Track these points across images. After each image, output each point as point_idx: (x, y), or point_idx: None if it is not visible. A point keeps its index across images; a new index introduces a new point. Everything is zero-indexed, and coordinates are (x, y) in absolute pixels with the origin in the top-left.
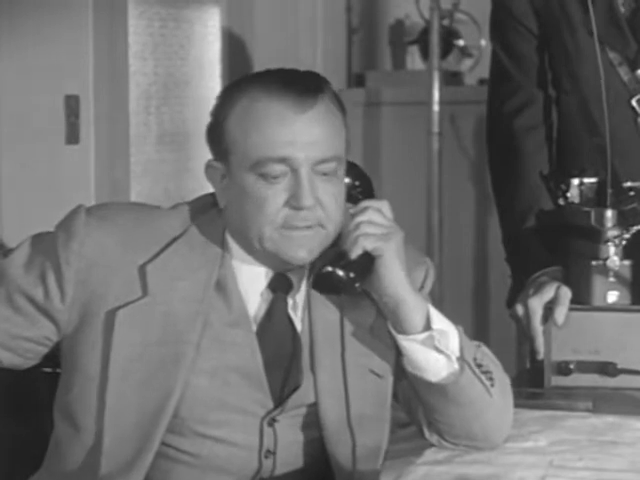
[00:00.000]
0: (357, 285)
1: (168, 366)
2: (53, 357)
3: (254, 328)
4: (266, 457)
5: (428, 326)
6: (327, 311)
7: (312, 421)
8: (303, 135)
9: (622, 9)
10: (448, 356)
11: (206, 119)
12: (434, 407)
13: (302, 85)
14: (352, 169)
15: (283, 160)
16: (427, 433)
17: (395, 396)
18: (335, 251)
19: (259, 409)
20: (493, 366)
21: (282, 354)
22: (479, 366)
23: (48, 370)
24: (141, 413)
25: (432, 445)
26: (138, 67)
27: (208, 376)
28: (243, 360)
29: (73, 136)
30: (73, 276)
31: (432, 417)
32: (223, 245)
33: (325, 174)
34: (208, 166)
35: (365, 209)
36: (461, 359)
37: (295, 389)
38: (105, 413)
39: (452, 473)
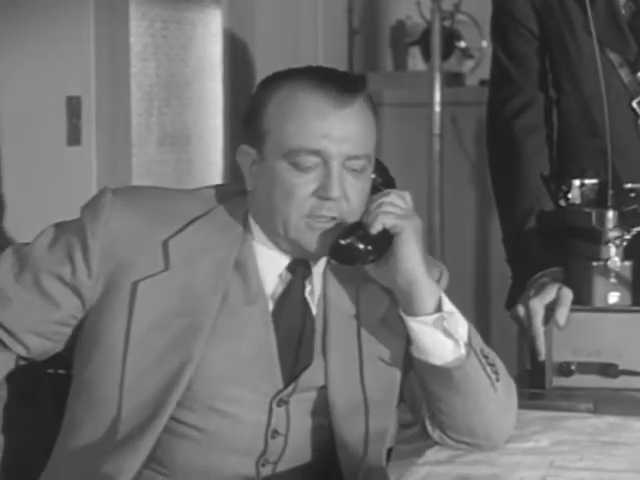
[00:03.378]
0: (371, 258)
1: (186, 337)
2: (55, 357)
3: (270, 307)
4: (273, 437)
5: (439, 309)
6: (342, 298)
7: (322, 408)
8: (338, 130)
9: (623, 11)
10: (456, 340)
11: (207, 120)
12: (438, 396)
13: (342, 82)
14: (378, 165)
15: (316, 152)
16: (429, 428)
17: (400, 393)
18: (354, 223)
19: (269, 388)
20: (499, 363)
21: (295, 334)
22: (485, 357)
23: (49, 370)
24: (157, 384)
25: (434, 445)
26: (140, 68)
27: (222, 351)
28: (257, 338)
29: (75, 137)
30: (99, 250)
31: (435, 407)
32: (245, 227)
33: (354, 170)
34: (240, 151)
35: (388, 193)
36: (468, 345)
37: (305, 368)
38: (124, 382)
39: (453, 473)
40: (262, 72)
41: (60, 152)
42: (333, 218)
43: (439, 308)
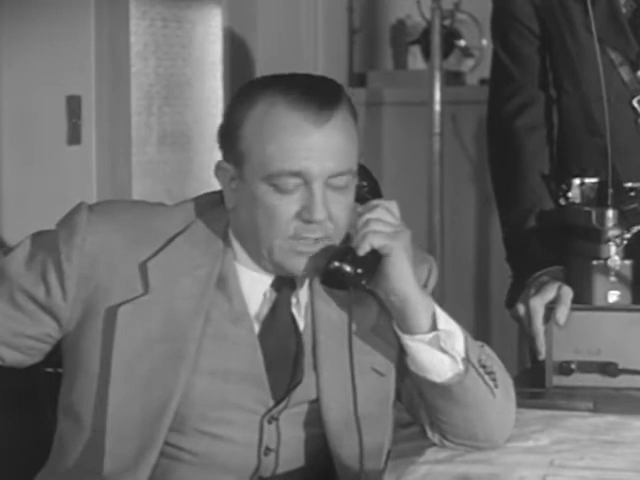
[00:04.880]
0: (364, 282)
1: (170, 364)
2: (54, 357)
3: (256, 328)
4: (266, 454)
5: (434, 326)
6: (330, 309)
7: (314, 418)
8: (320, 149)
9: (624, 9)
10: (453, 357)
11: (208, 119)
12: (438, 408)
13: (321, 95)
14: (360, 169)
15: (298, 174)
16: (429, 433)
17: (398, 395)
18: (343, 247)
19: (259, 407)
20: (496, 367)
21: (284, 353)
22: (483, 367)
23: (49, 370)
24: (143, 411)
25: (433, 444)
26: (140, 67)
27: (209, 374)
28: (244, 359)
29: (75, 137)
30: (74, 273)
31: (435, 417)
32: (226, 241)
33: (338, 188)
34: (218, 167)
35: (374, 207)
36: (466, 360)
37: (295, 386)
38: (108, 411)
39: (453, 472)
40: (262, 71)
41: (60, 151)
42: (317, 239)
43: (434, 325)
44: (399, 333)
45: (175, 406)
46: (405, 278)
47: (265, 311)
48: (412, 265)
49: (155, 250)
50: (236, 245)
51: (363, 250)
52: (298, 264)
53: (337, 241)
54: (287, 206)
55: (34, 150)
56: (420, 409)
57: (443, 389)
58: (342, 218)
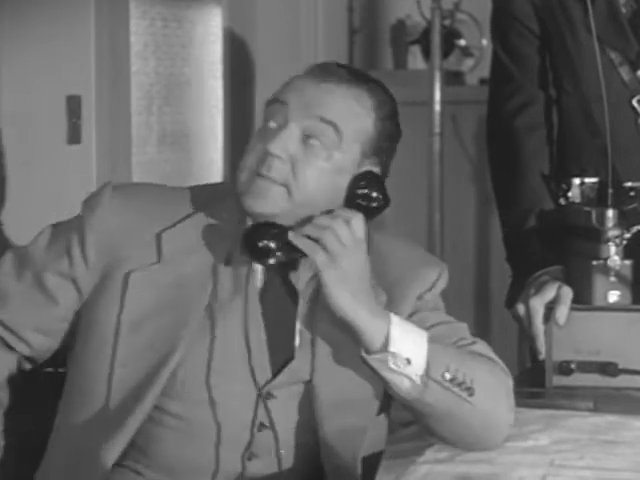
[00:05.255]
0: (271, 261)
1: (175, 328)
2: (55, 357)
3: (258, 297)
4: (259, 430)
5: (386, 348)
6: None
7: (308, 402)
8: (310, 92)
9: (623, 9)
10: (407, 376)
11: (208, 119)
12: (418, 418)
13: (345, 73)
14: (376, 181)
15: (279, 102)
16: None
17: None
18: (282, 225)
19: (257, 378)
20: (478, 372)
21: (281, 328)
22: (451, 380)
23: (50, 370)
24: (144, 369)
25: (434, 444)
26: (140, 67)
27: (210, 342)
28: (244, 328)
29: (75, 136)
30: (95, 242)
31: (421, 425)
32: (243, 223)
33: (314, 145)
34: None
35: (337, 216)
36: (425, 377)
37: (291, 359)
38: (114, 369)
39: (453, 472)
40: (262, 71)
41: (60, 151)
42: (275, 182)
43: (386, 345)
44: (359, 350)
45: (171, 367)
46: (343, 306)
47: (262, 282)
48: (358, 288)
49: (172, 223)
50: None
51: (296, 242)
52: (251, 204)
53: (297, 198)
54: (260, 140)
55: (34, 150)
56: None
57: (409, 404)
58: (308, 178)
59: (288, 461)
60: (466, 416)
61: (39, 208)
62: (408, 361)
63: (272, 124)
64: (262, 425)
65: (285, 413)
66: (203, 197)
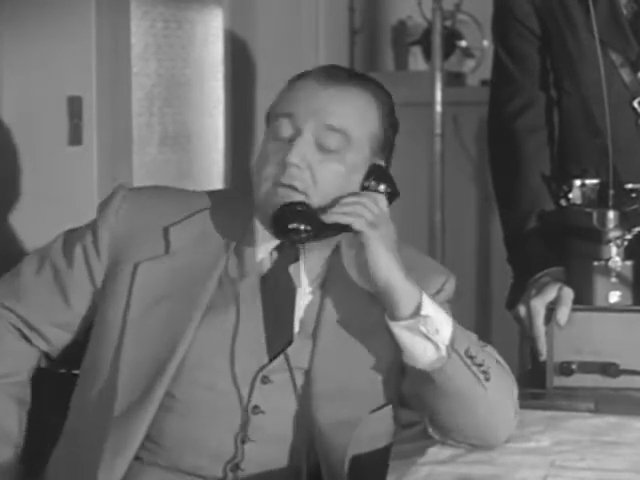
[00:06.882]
0: (304, 238)
1: (182, 317)
2: (56, 357)
3: (258, 284)
4: (254, 413)
5: (418, 313)
6: (342, 290)
7: (305, 390)
8: (318, 101)
9: (624, 11)
10: (435, 343)
11: (209, 120)
12: (426, 399)
13: (346, 76)
14: (383, 173)
15: (289, 115)
16: (430, 429)
17: (402, 399)
18: (305, 203)
19: (253, 362)
20: (494, 364)
21: (281, 313)
22: (471, 357)
23: (54, 371)
24: (153, 359)
25: (435, 444)
26: (141, 68)
27: (212, 328)
28: (245, 312)
29: (76, 137)
30: (107, 237)
31: (427, 410)
32: (249, 223)
33: (328, 149)
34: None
35: (363, 194)
36: (450, 347)
37: (288, 344)
38: (122, 357)
39: (454, 473)
40: (263, 72)
41: (61, 152)
42: (295, 189)
43: (418, 312)
44: (387, 321)
45: (180, 356)
46: (384, 263)
47: (265, 269)
48: (396, 255)
49: (180, 218)
50: (257, 225)
51: (340, 221)
52: (273, 208)
53: (316, 205)
54: (276, 152)
55: (35, 151)
56: (420, 406)
57: (426, 375)
58: (326, 182)
59: (283, 447)
60: (476, 401)
61: (40, 209)
62: (437, 331)
63: (283, 135)
64: (256, 408)
65: (281, 399)
66: (210, 198)
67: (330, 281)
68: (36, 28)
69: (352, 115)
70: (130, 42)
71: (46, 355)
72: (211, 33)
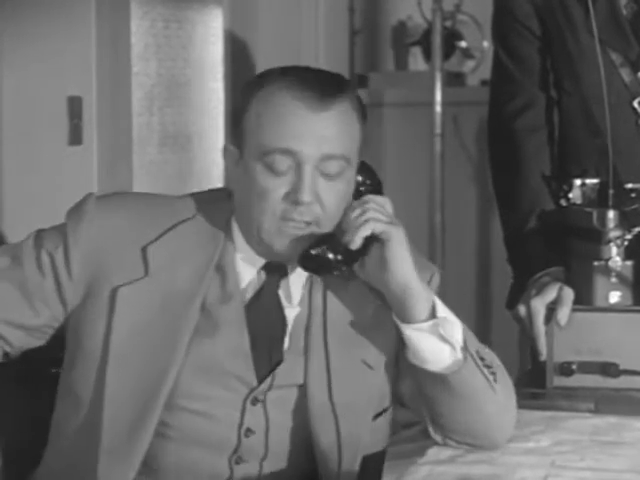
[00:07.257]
0: (344, 269)
1: (165, 348)
2: (56, 355)
3: (244, 306)
4: (246, 436)
5: (433, 315)
6: (328, 299)
7: (302, 404)
8: (313, 131)
9: (624, 11)
10: (452, 345)
11: (209, 120)
12: (436, 400)
13: (324, 86)
14: (365, 168)
15: (288, 152)
16: (431, 431)
17: (400, 398)
18: (327, 234)
19: (243, 385)
20: (497, 365)
21: (268, 334)
22: (482, 359)
23: (51, 370)
24: (139, 391)
25: (435, 444)
26: (141, 68)
27: (198, 353)
28: (232, 336)
29: (76, 137)
30: (79, 255)
31: (434, 412)
32: (227, 231)
33: (330, 175)
34: (225, 149)
35: (369, 200)
36: (464, 349)
37: (276, 366)
38: (106, 388)
39: (454, 473)
40: None
41: (61, 152)
42: (307, 223)
43: (433, 314)
44: (399, 323)
45: (170, 386)
46: (405, 265)
47: (252, 292)
48: (412, 255)
49: (157, 235)
50: (236, 232)
51: (361, 235)
52: (284, 245)
53: (327, 229)
54: (277, 187)
55: (35, 151)
56: (422, 406)
57: (441, 379)
58: (333, 205)
59: (277, 466)
60: (486, 401)
61: (40, 209)
62: (452, 330)
63: (281, 169)
64: (249, 430)
65: (276, 417)
66: (188, 206)
67: (316, 295)
68: (36, 28)
69: (346, 136)
70: (130, 42)
71: (5, 354)
72: (211, 33)
